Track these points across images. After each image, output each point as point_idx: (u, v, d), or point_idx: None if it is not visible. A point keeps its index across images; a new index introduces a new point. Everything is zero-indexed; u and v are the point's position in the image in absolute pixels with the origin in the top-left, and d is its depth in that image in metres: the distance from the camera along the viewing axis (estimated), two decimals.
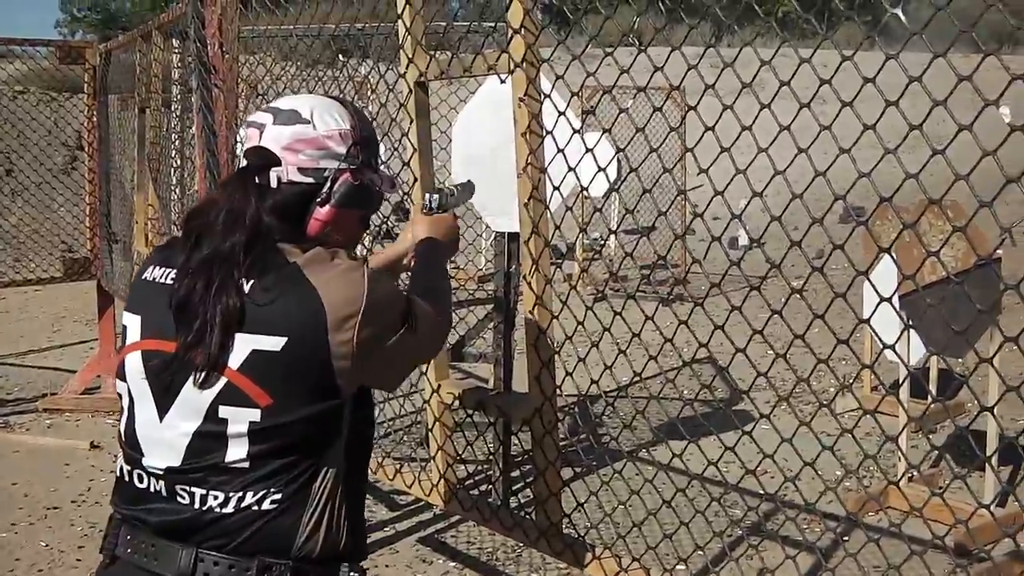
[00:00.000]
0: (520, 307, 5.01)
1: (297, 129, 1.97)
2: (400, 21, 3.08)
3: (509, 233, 5.13)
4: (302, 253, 1.92)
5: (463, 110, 4.80)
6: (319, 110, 2.01)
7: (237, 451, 1.87)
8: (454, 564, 5.20)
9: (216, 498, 1.88)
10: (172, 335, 1.90)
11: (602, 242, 14.86)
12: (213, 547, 1.88)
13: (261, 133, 1.99)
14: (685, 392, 7.21)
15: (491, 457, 5.30)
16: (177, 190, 5.67)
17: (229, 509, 1.88)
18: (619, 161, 8.27)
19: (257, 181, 1.96)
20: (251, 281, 1.87)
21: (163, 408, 1.91)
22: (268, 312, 1.85)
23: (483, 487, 5.73)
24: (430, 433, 3.05)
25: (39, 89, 21.98)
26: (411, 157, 3.09)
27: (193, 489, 1.89)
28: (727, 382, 8.02)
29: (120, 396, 2.03)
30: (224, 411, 1.86)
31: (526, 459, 6.01)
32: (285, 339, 1.84)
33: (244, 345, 1.85)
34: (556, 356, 2.62)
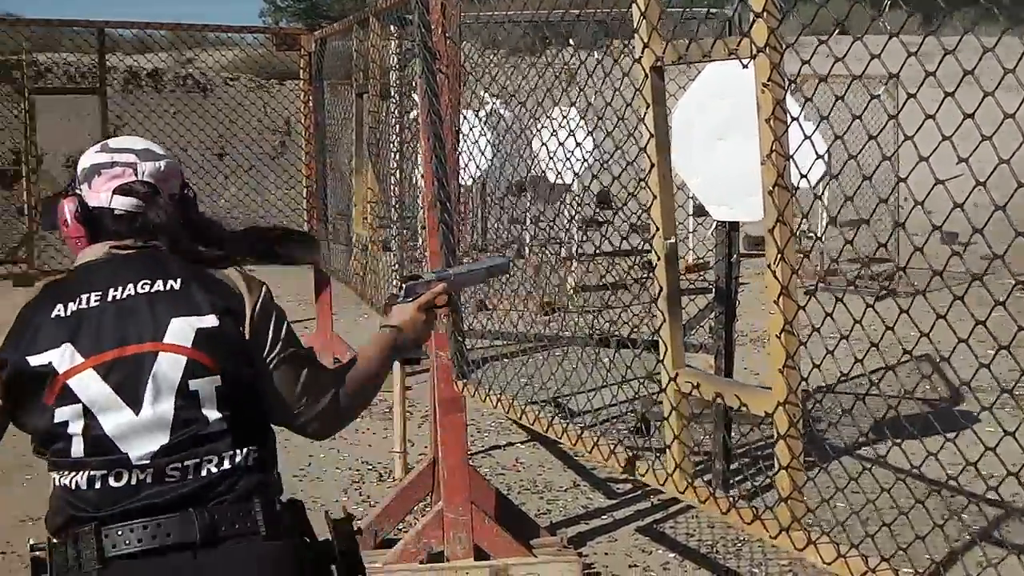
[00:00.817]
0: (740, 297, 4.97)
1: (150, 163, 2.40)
2: (634, 6, 3.07)
3: (729, 222, 5.07)
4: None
5: (683, 97, 4.75)
6: (134, 144, 2.45)
7: (212, 409, 2.22)
8: (673, 555, 5.18)
9: (210, 461, 2.20)
10: (114, 344, 2.21)
11: (816, 233, 14.49)
12: (219, 502, 2.19)
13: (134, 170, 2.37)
14: (904, 386, 6.99)
15: (714, 449, 5.25)
16: (396, 174, 5.80)
17: (226, 467, 2.21)
18: (829, 151, 8.07)
19: (160, 199, 2.37)
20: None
21: (136, 402, 2.18)
22: (199, 297, 2.29)
23: (705, 477, 5.70)
24: (666, 422, 3.04)
25: (249, 76, 22.89)
26: (647, 144, 3.08)
27: (187, 463, 2.19)
28: (945, 377, 7.75)
29: (65, 423, 2.18)
30: (192, 383, 2.21)
31: (746, 451, 5.95)
32: (217, 317, 2.27)
33: (194, 320, 2.25)
34: (803, 347, 2.59)
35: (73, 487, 2.19)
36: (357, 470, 6.37)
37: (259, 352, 2.31)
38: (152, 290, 2.27)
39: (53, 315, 2.25)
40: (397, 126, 5.95)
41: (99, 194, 2.35)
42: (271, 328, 2.33)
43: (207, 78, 22.58)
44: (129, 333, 2.23)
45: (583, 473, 6.29)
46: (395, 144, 5.92)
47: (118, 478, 2.18)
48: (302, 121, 8.33)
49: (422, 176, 4.75)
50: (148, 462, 2.17)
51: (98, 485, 2.18)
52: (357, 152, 6.76)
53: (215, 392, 2.23)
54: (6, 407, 2.26)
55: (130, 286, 2.27)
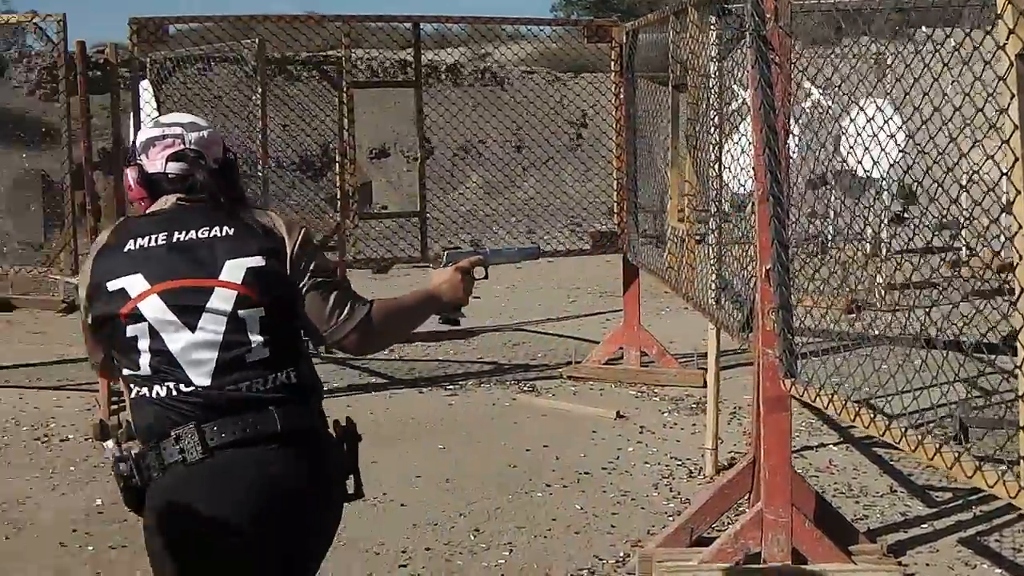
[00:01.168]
0: None
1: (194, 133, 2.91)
2: None
3: None
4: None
5: None
6: (182, 119, 3.00)
7: (258, 337, 2.70)
8: (1000, 571, 4.92)
9: (259, 380, 2.68)
10: (177, 277, 2.70)
11: None
12: (281, 406, 2.69)
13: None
14: None
15: None
16: (716, 167, 5.74)
17: (271, 383, 2.69)
18: None
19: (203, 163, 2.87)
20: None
21: (192, 326, 2.67)
22: (247, 240, 2.78)
23: None
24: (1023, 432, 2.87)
25: (545, 69, 23.28)
26: (1011, 135, 2.92)
27: (237, 382, 2.67)
28: None
29: (135, 338, 2.67)
30: (244, 314, 2.69)
31: None
32: (264, 257, 2.76)
33: (244, 261, 2.74)
34: None
35: (154, 396, 2.68)
36: (666, 465, 6.36)
37: (298, 284, 2.78)
38: (210, 235, 2.78)
39: (126, 249, 2.75)
40: (716, 118, 5.89)
41: (155, 162, 2.87)
42: (308, 263, 2.81)
43: (504, 71, 23.18)
44: (190, 269, 2.73)
45: (900, 478, 6.07)
46: (714, 137, 5.86)
47: (187, 386, 2.66)
48: (612, 113, 8.37)
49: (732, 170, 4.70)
50: (208, 380, 2.66)
51: (174, 394, 2.66)
52: (673, 145, 6.75)
53: (259, 321, 2.71)
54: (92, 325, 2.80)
55: (192, 231, 2.78)
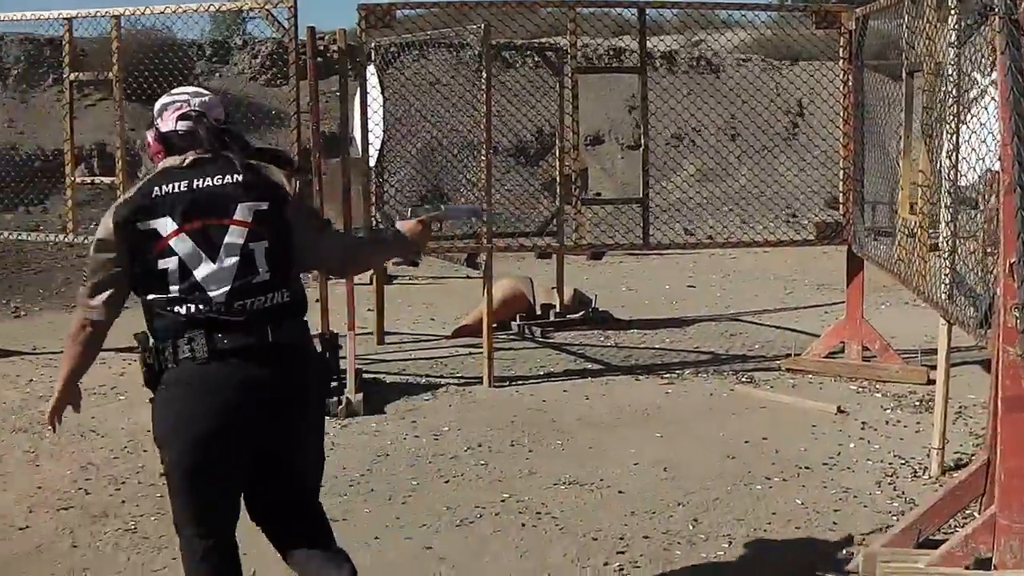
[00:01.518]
0: None
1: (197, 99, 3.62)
2: None
3: None
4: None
5: None
6: (189, 89, 3.73)
7: (262, 266, 3.40)
8: None
9: (263, 301, 3.40)
10: (199, 218, 3.38)
11: None
12: (276, 320, 3.41)
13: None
14: None
15: None
16: (952, 157, 5.56)
17: (273, 303, 3.40)
18: None
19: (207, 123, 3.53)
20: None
21: (213, 254, 3.38)
22: (253, 187, 3.45)
23: None
24: None
25: (761, 57, 22.88)
26: None
27: (247, 300, 3.37)
28: None
29: (165, 270, 3.37)
30: (252, 247, 3.40)
31: None
32: (267, 201, 3.45)
33: (250, 205, 3.42)
34: None
35: (176, 311, 3.37)
36: (889, 463, 6.20)
37: (298, 224, 3.51)
38: (223, 182, 3.43)
39: (153, 196, 3.42)
40: (954, 107, 5.69)
41: (167, 122, 3.57)
42: (303, 208, 3.61)
43: (719, 59, 22.90)
44: (209, 211, 3.40)
45: None
46: (950, 126, 5.67)
47: (207, 305, 3.36)
48: (839, 102, 8.18)
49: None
50: (223, 300, 3.37)
51: (193, 310, 3.36)
52: (906, 134, 6.56)
53: (264, 251, 3.42)
54: (124, 259, 3.42)
55: (208, 179, 3.44)
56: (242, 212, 3.41)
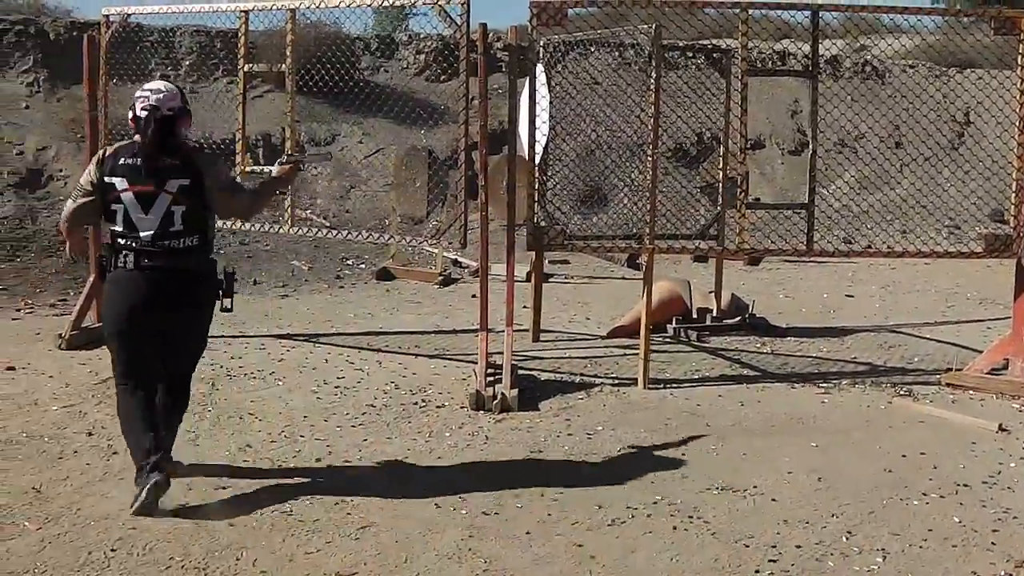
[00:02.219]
0: None
1: (155, 96, 5.40)
2: None
3: None
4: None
5: None
6: (157, 84, 5.58)
7: (178, 224, 5.30)
8: None
9: (175, 243, 5.31)
10: (142, 184, 5.28)
11: None
12: (180, 256, 5.34)
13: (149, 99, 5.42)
14: None
15: None
16: None
17: (183, 245, 5.33)
18: None
19: (157, 116, 5.32)
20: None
21: (147, 209, 5.27)
22: (179, 169, 5.33)
23: None
24: None
25: (927, 64, 22.33)
26: None
27: (164, 242, 5.28)
28: None
29: (116, 211, 5.35)
30: (174, 209, 5.28)
31: None
32: (189, 179, 5.32)
33: (177, 181, 5.30)
34: None
35: (120, 240, 5.37)
36: None
37: (211, 192, 5.43)
38: (164, 163, 5.30)
39: (120, 162, 5.36)
40: None
41: (137, 110, 5.40)
42: (218, 182, 5.53)
43: (884, 65, 22.44)
44: (150, 180, 5.29)
45: None
46: None
47: (136, 242, 5.32)
48: (1017, 111, 7.99)
49: None
50: (149, 239, 5.31)
51: (130, 241, 5.33)
52: None
53: (180, 213, 5.32)
54: (96, 194, 5.41)
55: (153, 159, 5.30)
56: (170, 185, 5.33)
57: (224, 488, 5.77)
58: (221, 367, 8.38)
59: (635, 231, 8.37)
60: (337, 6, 8.16)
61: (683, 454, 6.59)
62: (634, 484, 6.03)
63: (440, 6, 7.58)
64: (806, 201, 8.13)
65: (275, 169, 6.11)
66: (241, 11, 8.65)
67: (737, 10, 7.74)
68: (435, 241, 8.15)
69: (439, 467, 6.26)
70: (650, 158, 7.88)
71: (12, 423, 6.87)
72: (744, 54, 7.81)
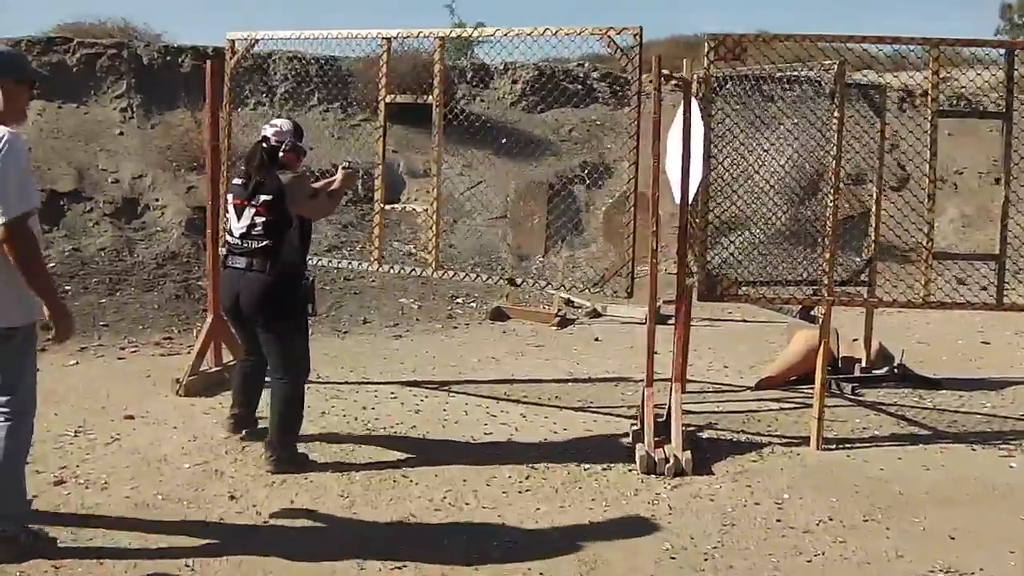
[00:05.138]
0: None
1: (270, 129, 6.84)
2: None
3: None
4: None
5: None
6: (279, 122, 6.93)
7: (259, 228, 6.57)
8: None
9: (255, 242, 6.59)
10: (240, 197, 6.70)
11: None
12: (256, 257, 6.62)
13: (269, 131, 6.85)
14: None
15: None
16: None
17: (259, 246, 6.57)
18: None
19: (264, 146, 6.76)
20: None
21: (239, 217, 6.67)
22: (266, 187, 6.59)
23: None
24: None
25: None
26: None
27: (247, 243, 6.63)
28: None
29: (227, 218, 7.00)
30: (256, 219, 6.58)
31: None
32: (272, 195, 6.58)
33: (262, 196, 6.59)
34: None
35: (227, 241, 7.04)
36: None
37: (293, 203, 6.58)
38: (254, 180, 6.62)
39: (232, 181, 7.09)
40: None
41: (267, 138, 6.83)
42: (296, 194, 6.59)
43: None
44: (244, 195, 6.65)
45: None
46: None
47: (233, 238, 6.76)
48: None
49: None
50: (239, 240, 6.66)
51: (228, 240, 6.93)
52: None
53: (262, 222, 6.54)
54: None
55: (249, 178, 6.70)
56: (258, 199, 6.56)
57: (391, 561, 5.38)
58: (356, 419, 7.96)
59: (803, 278, 7.86)
60: (492, 35, 7.73)
61: (887, 528, 6.07)
62: (848, 565, 5.54)
63: (609, 36, 7.13)
64: (997, 252, 7.58)
65: (339, 175, 7.29)
66: (384, 38, 8.24)
67: (928, 47, 7.24)
68: (598, 289, 7.63)
69: (627, 539, 5.80)
70: (830, 201, 7.37)
71: (144, 483, 6.48)
72: (935, 93, 7.29)
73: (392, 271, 8.78)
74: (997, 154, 11.31)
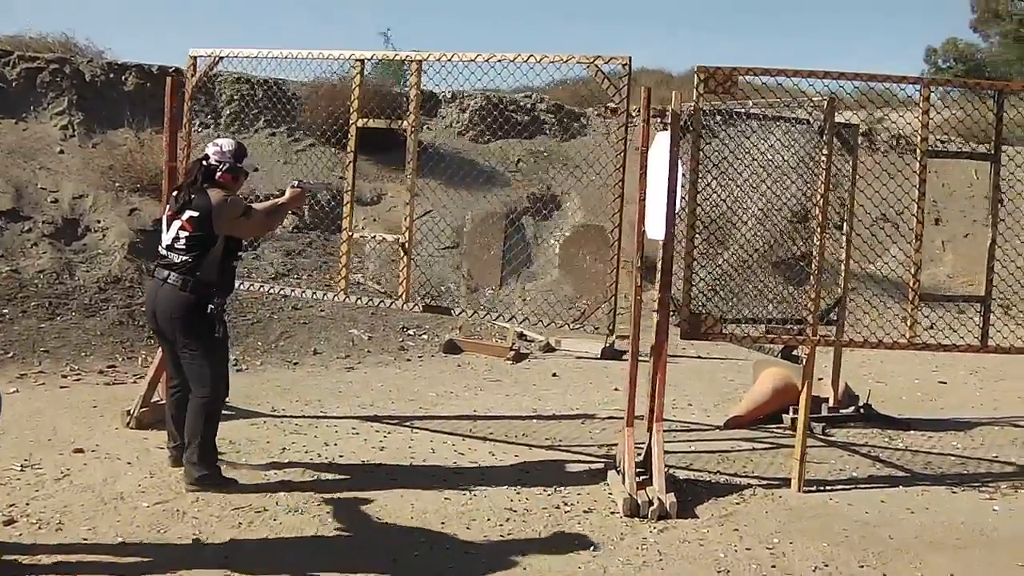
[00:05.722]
0: None
1: (212, 148, 6.88)
2: None
3: None
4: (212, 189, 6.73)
5: None
6: (221, 141, 6.92)
7: (182, 243, 6.64)
8: None
9: (176, 256, 6.65)
10: (172, 211, 6.76)
11: None
12: (174, 270, 6.66)
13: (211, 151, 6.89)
14: None
15: None
16: None
17: (179, 260, 6.63)
18: None
19: (203, 164, 6.82)
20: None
21: (167, 231, 6.72)
22: (194, 203, 6.65)
23: None
24: None
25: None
26: None
27: (171, 254, 6.67)
28: None
29: (159, 230, 7.02)
30: (180, 233, 6.66)
31: None
32: (198, 212, 6.64)
33: (189, 212, 6.65)
34: None
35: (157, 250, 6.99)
36: None
37: (220, 221, 6.60)
38: (187, 197, 6.68)
39: (173, 194, 6.98)
40: None
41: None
42: (225, 212, 6.60)
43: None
44: (175, 209, 6.72)
45: None
46: None
47: (160, 249, 6.80)
48: None
49: None
50: (164, 251, 6.72)
51: (159, 251, 6.83)
52: None
53: (186, 238, 6.62)
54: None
55: (184, 193, 6.74)
56: (186, 215, 6.63)
57: None
58: (319, 455, 7.63)
59: (786, 316, 7.69)
60: (474, 60, 7.47)
61: (885, 575, 5.89)
62: None
63: (596, 65, 6.91)
64: (982, 294, 7.47)
65: (287, 193, 7.21)
66: (356, 59, 7.97)
67: (919, 86, 7.14)
68: (579, 326, 7.37)
69: None
70: (816, 240, 7.22)
71: (102, 523, 6.09)
72: (925, 133, 7.17)
73: (359, 302, 8.47)
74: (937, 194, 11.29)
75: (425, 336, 12.98)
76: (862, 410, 9.84)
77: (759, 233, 7.83)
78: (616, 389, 10.54)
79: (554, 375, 11.55)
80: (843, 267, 9.40)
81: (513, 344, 12.53)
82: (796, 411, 9.44)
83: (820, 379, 9.98)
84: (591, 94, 7.04)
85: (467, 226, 12.56)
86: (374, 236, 8.92)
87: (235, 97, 16.40)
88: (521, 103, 19.57)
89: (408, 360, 12.04)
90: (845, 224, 9.33)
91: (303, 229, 14.46)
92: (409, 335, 12.94)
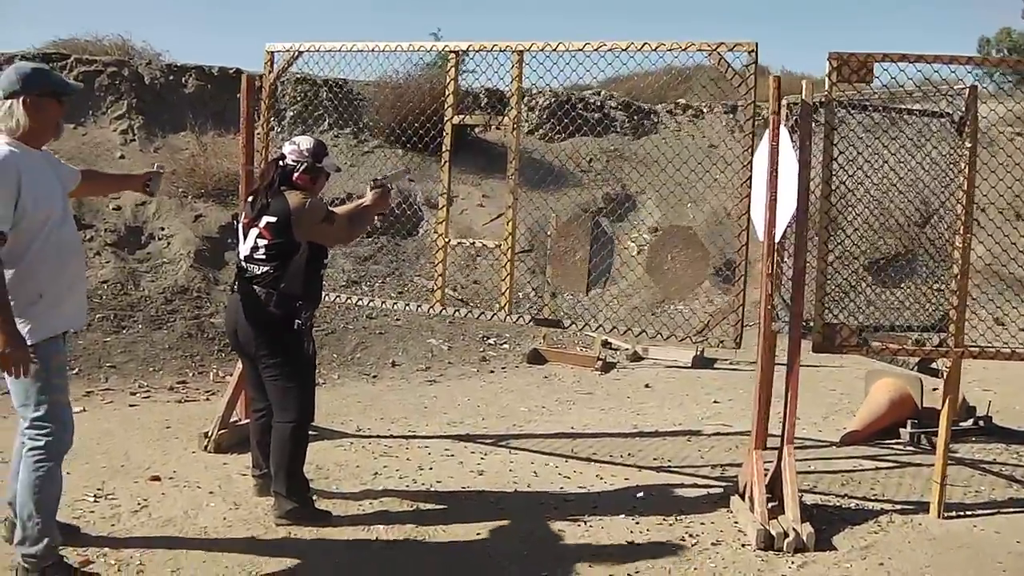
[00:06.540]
0: None
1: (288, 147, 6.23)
2: None
3: None
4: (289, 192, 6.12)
5: None
6: (299, 139, 6.27)
7: (261, 252, 6.07)
8: None
9: (256, 267, 6.09)
10: (248, 217, 6.22)
11: None
12: (257, 281, 6.10)
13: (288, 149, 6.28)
14: None
15: None
16: None
17: (259, 272, 6.08)
18: None
19: (279, 164, 6.19)
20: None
21: (244, 239, 6.20)
22: (271, 208, 6.05)
23: None
24: None
25: None
26: None
27: (249, 266, 6.13)
28: None
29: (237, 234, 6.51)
30: (259, 241, 6.08)
31: None
32: (276, 217, 6.03)
33: (266, 217, 6.06)
34: None
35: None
36: None
37: (300, 228, 6.00)
38: (263, 201, 6.09)
39: (248, 199, 6.43)
40: None
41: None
42: (304, 218, 5.98)
43: None
44: (252, 215, 6.14)
45: None
46: None
47: (238, 262, 6.33)
48: None
49: None
50: (244, 263, 6.16)
51: (239, 262, 6.31)
52: None
53: (265, 246, 6.03)
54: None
55: (259, 197, 6.19)
56: (263, 220, 6.04)
57: None
58: (415, 481, 7.13)
59: (921, 324, 7.11)
60: (581, 49, 6.92)
61: None
62: None
63: (719, 53, 6.36)
64: None
65: (368, 196, 6.62)
66: (451, 51, 7.45)
67: None
68: (701, 339, 6.84)
69: None
70: (959, 242, 6.63)
71: (187, 564, 5.59)
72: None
73: (458, 315, 7.94)
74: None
75: (506, 345, 12.48)
76: (981, 423, 9.23)
77: (893, 236, 7.25)
78: (715, 402, 10.00)
79: (647, 386, 11.01)
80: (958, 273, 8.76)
81: (600, 353, 12.00)
82: (916, 425, 8.89)
83: (935, 389, 9.37)
84: (713, 85, 6.49)
85: (549, 229, 11.99)
86: (473, 243, 8.40)
87: (298, 98, 15.98)
88: (590, 100, 19.02)
89: (491, 372, 11.54)
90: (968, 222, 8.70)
91: (372, 234, 13.98)
92: (490, 344, 12.45)
